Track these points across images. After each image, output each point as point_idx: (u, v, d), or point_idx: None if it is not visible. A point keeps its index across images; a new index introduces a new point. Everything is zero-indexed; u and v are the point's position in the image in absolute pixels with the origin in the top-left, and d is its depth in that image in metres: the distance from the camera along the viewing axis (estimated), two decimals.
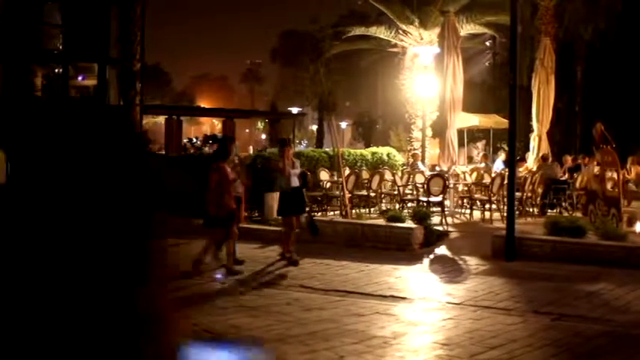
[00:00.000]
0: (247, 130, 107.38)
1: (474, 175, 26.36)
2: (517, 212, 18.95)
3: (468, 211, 23.07)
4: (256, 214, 20.99)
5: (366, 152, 28.59)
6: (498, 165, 27.76)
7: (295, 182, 15.67)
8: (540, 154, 26.30)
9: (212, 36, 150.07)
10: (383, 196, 23.97)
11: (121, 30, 31.19)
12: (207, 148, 44.17)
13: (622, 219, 18.44)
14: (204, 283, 13.56)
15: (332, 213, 22.06)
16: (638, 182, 24.66)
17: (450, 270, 14.65)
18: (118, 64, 32.54)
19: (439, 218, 19.90)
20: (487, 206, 21.95)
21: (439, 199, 20.48)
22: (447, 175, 22.76)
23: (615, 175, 19.36)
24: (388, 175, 25.07)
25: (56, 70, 44.64)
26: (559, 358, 8.73)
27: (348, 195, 20.61)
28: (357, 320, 10.60)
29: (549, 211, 22.85)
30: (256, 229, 19.65)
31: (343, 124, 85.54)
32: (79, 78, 45.96)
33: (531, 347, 9.21)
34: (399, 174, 25.47)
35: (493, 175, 23.93)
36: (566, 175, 25.23)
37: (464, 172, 26.86)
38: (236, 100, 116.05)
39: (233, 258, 14.74)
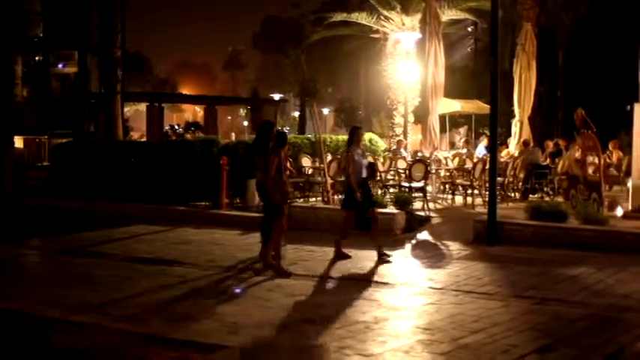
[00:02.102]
0: (229, 117, 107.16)
1: (456, 160, 26.35)
2: (499, 197, 18.99)
3: (449, 196, 23.10)
4: (238, 201, 20.94)
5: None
6: (480, 150, 27.76)
7: (363, 173, 14.36)
8: (522, 140, 26.32)
9: (194, 23, 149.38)
10: None
11: (102, 17, 31.02)
12: (188, 135, 43.98)
13: (603, 203, 18.48)
14: (188, 270, 13.49)
15: (314, 199, 22.03)
16: (620, 167, 24.74)
17: (432, 255, 14.64)
18: (98, 51, 32.36)
19: (421, 204, 19.91)
20: (469, 191, 21.96)
21: (421, 184, 20.47)
22: (428, 161, 22.77)
23: (596, 160, 19.39)
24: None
25: (37, 58, 44.38)
26: (540, 341, 8.73)
27: (330, 181, 20.58)
28: (339, 306, 10.57)
29: (531, 195, 22.87)
30: (238, 215, 19.61)
31: (325, 111, 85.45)
32: (60, 66, 45.73)
33: (513, 331, 9.21)
34: (381, 160, 25.45)
35: (475, 160, 23.96)
36: (548, 160, 25.29)
37: (446, 158, 26.88)
38: (218, 87, 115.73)
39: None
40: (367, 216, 14.31)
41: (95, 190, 23.31)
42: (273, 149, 13.40)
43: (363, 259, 14.10)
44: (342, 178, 16.81)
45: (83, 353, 8.24)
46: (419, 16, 29.93)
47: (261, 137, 13.91)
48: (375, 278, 12.59)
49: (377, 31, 33.57)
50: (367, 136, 29.82)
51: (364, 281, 12.34)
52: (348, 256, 14.16)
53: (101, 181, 23.50)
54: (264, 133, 13.92)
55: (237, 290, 11.31)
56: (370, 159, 16.48)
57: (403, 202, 18.33)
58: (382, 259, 13.92)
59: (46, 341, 8.80)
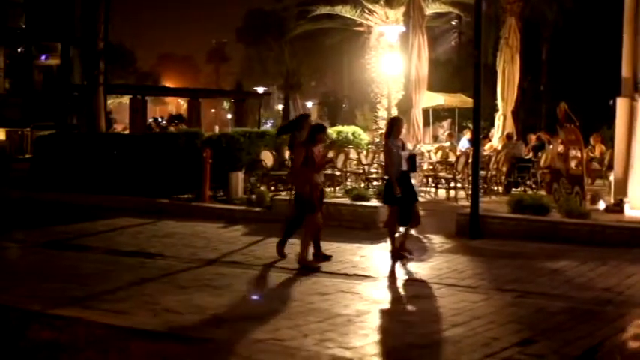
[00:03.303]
0: (213, 110, 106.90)
1: (439, 153, 26.39)
2: (482, 191, 19.08)
3: (432, 189, 23.14)
4: (221, 194, 20.92)
5: (332, 131, 28.53)
6: (463, 144, 27.80)
7: (403, 166, 13.85)
8: (505, 133, 26.39)
9: (177, 15, 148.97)
10: (348, 174, 23.95)
11: (85, 9, 30.89)
12: (172, 128, 43.87)
13: (585, 197, 18.54)
14: (171, 263, 13.47)
15: None
16: (602, 161, 24.83)
17: (415, 248, 14.64)
18: (81, 43, 32.25)
19: None
20: (452, 185, 22.02)
21: None
22: None
23: (579, 154, 19.47)
24: (353, 154, 25.07)
25: (19, 50, 44.24)
26: (522, 334, 8.76)
27: None
28: (321, 299, 10.58)
29: (514, 189, 22.94)
30: (221, 208, 19.60)
31: (309, 104, 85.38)
32: (43, 58, 45.61)
33: (494, 324, 9.24)
34: (365, 153, 25.47)
35: (458, 153, 23.99)
36: (531, 154, 25.36)
37: (429, 151, 26.89)
38: (201, 79, 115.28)
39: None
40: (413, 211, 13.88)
41: (78, 182, 23.22)
42: (303, 142, 13.11)
43: (345, 252, 14.11)
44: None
45: (65, 346, 8.22)
46: (403, 9, 29.86)
47: (291, 130, 13.90)
48: (357, 271, 12.59)
49: (361, 25, 33.49)
50: (350, 129, 29.88)
51: (346, 274, 12.34)
52: (404, 256, 13.62)
53: (84, 174, 23.42)
54: (294, 126, 13.95)
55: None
56: (411, 150, 15.79)
57: None
58: (400, 255, 13.63)
59: (28, 334, 8.77)
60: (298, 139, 13.58)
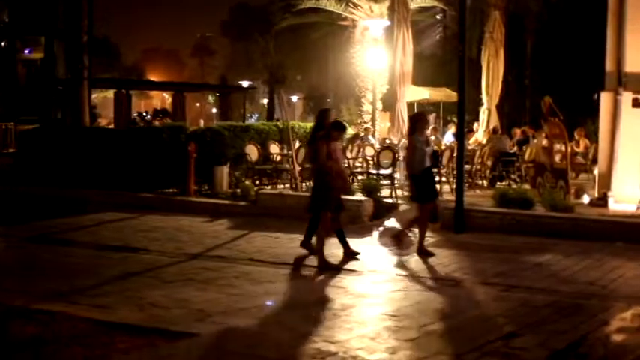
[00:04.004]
0: (198, 104, 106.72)
1: None
2: (466, 185, 19.11)
3: None
4: (206, 188, 20.89)
5: None
6: (448, 138, 27.85)
7: (427, 162, 13.65)
8: (490, 127, 26.45)
9: (162, 9, 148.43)
10: None
11: (69, 2, 30.74)
12: (157, 122, 43.73)
13: (569, 191, 18.63)
14: (156, 257, 13.44)
15: (282, 186, 22.03)
16: (586, 155, 24.91)
17: (399, 243, 14.65)
18: (65, 37, 32.11)
19: (389, 191, 19.94)
20: (437, 179, 22.01)
21: (389, 171, 20.49)
22: (397, 148, 22.78)
23: (563, 148, 19.53)
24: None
25: (2, 44, 44.00)
26: (506, 328, 8.79)
27: (298, 168, 20.58)
28: (306, 292, 10.58)
29: (498, 183, 22.99)
30: (205, 202, 19.59)
31: (294, 98, 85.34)
32: (26, 51, 45.33)
33: (479, 318, 9.27)
34: (349, 147, 25.43)
35: (443, 147, 24.00)
36: (515, 148, 25.41)
37: None
38: (186, 73, 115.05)
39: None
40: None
41: (62, 177, 23.13)
42: (323, 136, 12.82)
43: (331, 246, 14.10)
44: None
45: (49, 341, 8.19)
46: (387, 3, 29.91)
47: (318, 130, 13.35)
48: (343, 265, 12.60)
49: (345, 19, 33.55)
50: None
51: (331, 269, 12.34)
52: (432, 254, 13.40)
53: (68, 168, 23.33)
54: (316, 122, 13.72)
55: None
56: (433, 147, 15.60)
57: (371, 189, 18.39)
58: (427, 252, 13.45)
59: (11, 329, 8.74)
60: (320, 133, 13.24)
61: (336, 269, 12.37)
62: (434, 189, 14.27)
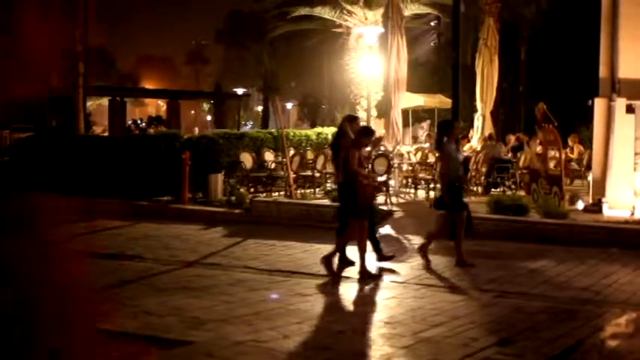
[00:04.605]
0: (193, 112, 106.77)
1: (419, 154, 26.41)
2: None
3: (412, 190, 23.15)
4: (200, 196, 20.88)
5: (311, 132, 28.54)
6: None
7: (461, 170, 13.39)
8: (486, 134, 26.46)
9: (156, 17, 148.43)
10: (328, 176, 23.92)
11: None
12: (151, 130, 43.72)
13: (564, 197, 18.65)
14: (150, 265, 13.42)
15: (277, 193, 21.99)
16: (581, 161, 24.95)
17: (394, 249, 14.66)
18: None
19: (384, 198, 19.93)
20: (431, 185, 22.03)
21: (384, 178, 20.47)
22: (391, 155, 22.79)
23: (557, 154, 19.57)
24: None
25: None
26: (500, 334, 8.79)
27: (292, 175, 20.58)
28: (301, 300, 10.58)
29: (493, 189, 23.00)
30: (200, 210, 19.58)
31: (289, 105, 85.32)
32: None
33: (474, 324, 9.27)
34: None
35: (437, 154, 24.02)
36: (510, 155, 25.42)
37: (408, 152, 26.91)
38: (181, 81, 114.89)
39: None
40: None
41: (56, 184, 22.94)
42: (353, 143, 12.52)
43: (324, 253, 14.11)
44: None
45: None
46: (382, 10, 29.88)
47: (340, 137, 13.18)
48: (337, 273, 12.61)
49: (340, 26, 33.53)
50: (330, 130, 29.83)
51: (326, 276, 12.34)
52: (471, 264, 13.01)
53: (62, 176, 23.22)
54: (341, 133, 13.35)
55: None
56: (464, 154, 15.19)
57: None
58: (466, 263, 13.09)
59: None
60: (346, 140, 13.00)
61: (378, 278, 12.23)
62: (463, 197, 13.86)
